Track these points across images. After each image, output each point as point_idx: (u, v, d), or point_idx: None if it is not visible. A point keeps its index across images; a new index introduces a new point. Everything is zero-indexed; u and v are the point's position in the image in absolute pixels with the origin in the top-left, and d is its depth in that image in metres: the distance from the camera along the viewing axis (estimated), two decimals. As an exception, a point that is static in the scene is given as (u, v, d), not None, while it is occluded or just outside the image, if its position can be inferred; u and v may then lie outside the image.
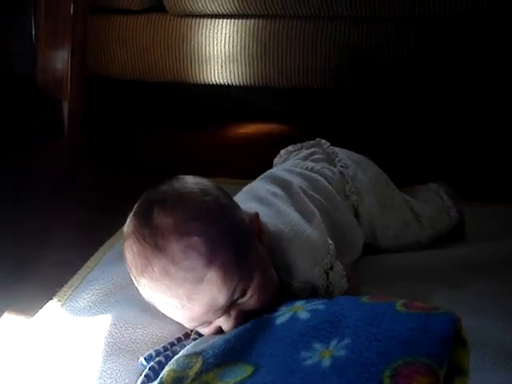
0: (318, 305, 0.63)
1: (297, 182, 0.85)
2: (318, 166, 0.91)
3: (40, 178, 1.34)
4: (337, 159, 0.94)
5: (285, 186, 0.84)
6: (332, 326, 0.59)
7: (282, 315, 0.64)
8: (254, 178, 1.32)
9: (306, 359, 0.56)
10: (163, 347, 0.70)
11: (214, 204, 0.67)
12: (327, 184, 0.88)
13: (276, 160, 1.04)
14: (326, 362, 0.55)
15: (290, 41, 1.62)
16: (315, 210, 0.80)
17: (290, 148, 1.02)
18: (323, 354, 0.56)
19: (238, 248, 0.65)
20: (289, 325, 0.61)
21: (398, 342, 0.53)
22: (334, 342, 0.57)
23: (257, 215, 0.72)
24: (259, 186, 0.86)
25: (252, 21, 1.64)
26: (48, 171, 1.35)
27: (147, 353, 0.69)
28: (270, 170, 0.95)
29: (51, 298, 0.86)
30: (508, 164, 1.34)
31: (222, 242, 0.64)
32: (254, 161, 1.49)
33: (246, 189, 0.88)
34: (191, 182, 0.69)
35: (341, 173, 0.91)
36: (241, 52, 1.67)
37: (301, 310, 0.63)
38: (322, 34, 1.60)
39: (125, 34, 1.76)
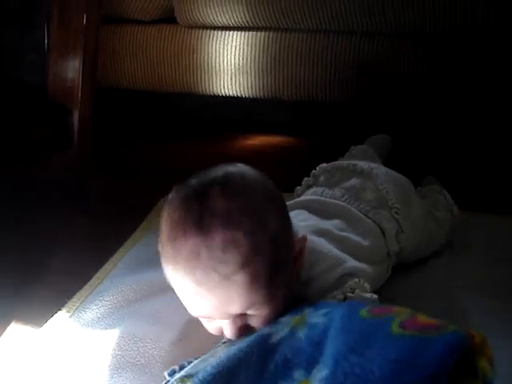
0: (320, 317, 0.59)
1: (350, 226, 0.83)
2: (372, 212, 0.86)
3: (49, 187, 1.34)
4: (390, 202, 0.88)
5: (338, 228, 0.82)
6: (318, 348, 0.55)
7: (281, 330, 0.60)
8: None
9: None
10: (188, 361, 0.68)
11: (274, 212, 0.65)
12: (379, 234, 0.86)
13: (316, 172, 0.96)
14: None
15: (299, 54, 1.63)
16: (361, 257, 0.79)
17: (333, 164, 0.95)
18: None
19: (275, 264, 0.62)
20: (282, 344, 0.58)
21: (376, 378, 0.48)
22: (314, 371, 0.53)
23: (304, 239, 0.70)
24: (310, 219, 0.83)
25: (262, 33, 1.65)
26: (57, 180, 1.36)
27: (171, 368, 0.67)
28: (324, 199, 0.89)
29: (59, 309, 0.86)
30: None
31: (264, 251, 0.61)
32: (263, 172, 1.49)
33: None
34: (258, 176, 0.67)
35: (395, 219, 0.88)
36: (251, 64, 1.67)
37: (302, 324, 0.59)
38: (332, 48, 1.60)
39: (135, 45, 1.76)
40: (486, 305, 0.84)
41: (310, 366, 0.54)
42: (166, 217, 0.64)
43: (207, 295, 0.61)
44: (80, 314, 0.84)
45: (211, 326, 0.68)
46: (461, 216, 1.04)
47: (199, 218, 0.60)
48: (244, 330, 0.65)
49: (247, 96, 1.72)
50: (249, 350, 0.59)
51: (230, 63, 1.69)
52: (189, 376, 0.61)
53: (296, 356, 0.56)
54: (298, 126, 1.77)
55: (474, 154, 1.50)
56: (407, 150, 1.53)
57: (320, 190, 0.92)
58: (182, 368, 0.67)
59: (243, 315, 0.65)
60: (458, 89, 1.54)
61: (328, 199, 0.88)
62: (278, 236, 0.63)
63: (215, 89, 1.74)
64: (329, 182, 0.93)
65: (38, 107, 1.34)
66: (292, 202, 0.88)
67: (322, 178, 0.95)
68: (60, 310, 0.86)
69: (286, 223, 0.68)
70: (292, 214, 0.81)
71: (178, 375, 0.63)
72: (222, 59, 1.69)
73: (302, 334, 0.58)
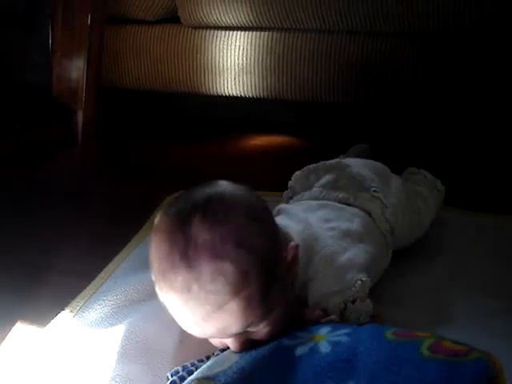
0: (342, 336, 0.60)
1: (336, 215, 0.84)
2: (352, 197, 0.87)
3: (53, 188, 1.35)
4: (366, 184, 0.89)
5: (325, 220, 0.82)
6: (350, 365, 0.55)
7: (303, 345, 0.60)
8: (265, 189, 1.32)
9: None
10: (191, 363, 0.68)
11: (258, 231, 0.64)
12: (365, 216, 0.86)
13: (292, 183, 0.97)
14: None
15: (303, 54, 1.63)
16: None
17: (305, 169, 0.96)
18: None
19: (267, 283, 0.62)
20: (307, 358, 0.58)
21: None
22: None
23: (296, 246, 0.69)
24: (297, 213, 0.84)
25: (266, 33, 1.65)
26: (61, 181, 1.36)
27: (174, 368, 0.68)
28: (302, 207, 0.88)
29: (63, 309, 0.86)
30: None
31: (254, 275, 0.61)
32: (265, 173, 1.49)
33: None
34: (240, 194, 0.66)
35: (377, 198, 0.88)
36: (254, 64, 1.67)
37: (323, 340, 0.60)
38: (336, 48, 1.60)
39: (139, 45, 1.77)
40: (491, 305, 0.84)
41: (342, 380, 0.54)
42: (154, 248, 0.64)
43: (203, 323, 0.62)
44: (83, 314, 0.84)
45: (215, 341, 0.69)
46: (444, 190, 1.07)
47: (184, 252, 0.60)
48: (249, 343, 0.66)
49: (251, 96, 1.72)
50: (272, 359, 0.60)
51: (233, 63, 1.69)
52: (207, 378, 0.60)
53: (326, 370, 0.55)
54: (301, 126, 1.78)
55: (480, 153, 1.50)
56: (411, 149, 1.53)
57: (299, 196, 0.93)
58: (184, 369, 0.67)
59: (244, 332, 0.65)
60: (462, 89, 1.54)
61: (308, 200, 0.89)
62: (266, 254, 0.63)
63: (218, 89, 1.74)
64: (305, 186, 0.94)
65: (43, 108, 1.35)
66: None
67: (298, 186, 0.96)
68: (63, 309, 0.86)
69: (274, 237, 0.67)
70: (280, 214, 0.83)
71: (192, 376, 0.63)
72: (225, 59, 1.69)
73: (326, 350, 0.58)
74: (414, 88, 1.57)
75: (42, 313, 0.89)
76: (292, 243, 0.70)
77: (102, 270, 0.95)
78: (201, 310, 0.61)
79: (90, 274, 0.97)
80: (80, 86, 1.32)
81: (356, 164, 0.94)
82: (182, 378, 0.65)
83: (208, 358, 0.69)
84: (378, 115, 1.70)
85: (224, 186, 0.67)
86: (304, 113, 1.81)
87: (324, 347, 0.58)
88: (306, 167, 0.97)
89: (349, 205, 0.87)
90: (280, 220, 0.77)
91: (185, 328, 0.66)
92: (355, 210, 0.86)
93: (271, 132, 1.75)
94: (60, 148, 1.34)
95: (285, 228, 0.74)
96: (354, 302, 0.71)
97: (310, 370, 0.56)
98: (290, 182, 0.97)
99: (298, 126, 1.79)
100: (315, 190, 0.91)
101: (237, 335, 0.65)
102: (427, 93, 1.57)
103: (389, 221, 0.88)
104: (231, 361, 0.62)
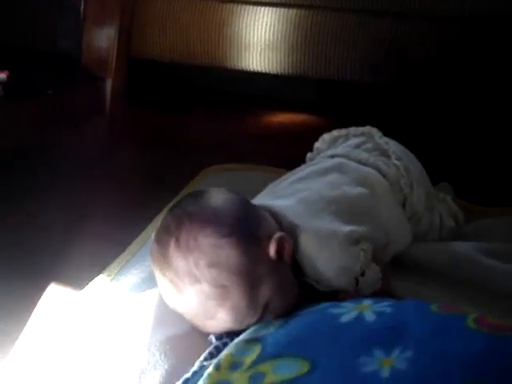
0: (386, 307, 0.61)
1: (346, 179, 0.83)
2: (372, 159, 0.87)
3: (81, 155, 1.36)
4: (390, 150, 0.88)
5: (332, 186, 0.81)
6: (397, 333, 0.56)
7: (347, 313, 0.62)
8: (288, 166, 1.33)
9: (364, 365, 0.54)
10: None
11: (229, 246, 0.68)
12: (381, 178, 0.85)
13: (318, 145, 0.97)
14: (385, 372, 0.52)
15: (330, 33, 1.62)
16: (360, 211, 0.79)
17: (334, 133, 0.96)
18: (383, 363, 0.53)
19: (250, 286, 0.67)
20: (353, 325, 0.59)
21: (463, 363, 0.50)
22: (396, 352, 0.54)
23: (279, 239, 0.70)
24: (306, 184, 0.83)
25: (294, 10, 1.65)
26: (89, 148, 1.37)
27: (217, 333, 0.69)
28: (319, 161, 0.90)
29: (100, 272, 0.88)
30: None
31: (234, 285, 0.67)
32: (287, 149, 1.49)
33: (290, 180, 0.85)
34: (211, 210, 0.70)
35: (395, 165, 0.87)
36: (281, 41, 1.67)
37: (367, 310, 0.61)
38: (364, 28, 1.60)
39: (165, 15, 1.76)
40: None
41: (388, 347, 0.55)
42: (156, 274, 0.72)
43: (207, 325, 0.70)
44: (121, 278, 0.85)
45: None
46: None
47: (171, 280, 0.69)
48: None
49: (275, 72, 1.72)
50: (318, 325, 0.62)
51: (259, 39, 1.68)
52: (254, 340, 0.62)
53: (372, 337, 0.57)
54: (324, 105, 1.77)
55: (498, 143, 1.49)
56: (429, 133, 1.53)
57: (323, 154, 0.93)
58: (228, 335, 0.68)
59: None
60: (488, 75, 1.54)
61: (325, 158, 0.90)
62: (241, 264, 0.68)
63: (243, 63, 1.73)
64: (330, 147, 0.95)
65: (72, 74, 1.35)
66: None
67: (324, 148, 0.96)
68: (101, 273, 0.88)
69: (251, 241, 0.69)
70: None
71: (239, 338, 0.64)
72: (252, 34, 1.69)
73: (370, 318, 0.60)
74: (438, 71, 1.57)
75: (76, 275, 0.91)
76: (276, 235, 0.71)
77: (138, 236, 0.96)
78: (197, 319, 0.70)
79: (119, 238, 0.98)
80: (110, 54, 1.33)
81: (388, 139, 0.93)
82: (225, 344, 0.67)
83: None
84: (402, 97, 1.70)
85: (201, 199, 0.72)
86: (328, 91, 1.81)
87: (369, 316, 0.60)
88: (335, 130, 0.96)
89: (366, 165, 0.87)
90: (276, 202, 0.78)
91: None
92: (369, 172, 0.85)
93: (293, 109, 1.76)
94: (88, 114, 1.35)
95: (280, 211, 0.75)
96: (363, 274, 0.72)
97: (357, 336, 0.58)
98: (316, 144, 0.97)
99: (322, 104, 1.79)
100: (339, 148, 0.91)
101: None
102: (454, 77, 1.57)
103: (402, 191, 0.86)
104: (276, 325, 0.64)
